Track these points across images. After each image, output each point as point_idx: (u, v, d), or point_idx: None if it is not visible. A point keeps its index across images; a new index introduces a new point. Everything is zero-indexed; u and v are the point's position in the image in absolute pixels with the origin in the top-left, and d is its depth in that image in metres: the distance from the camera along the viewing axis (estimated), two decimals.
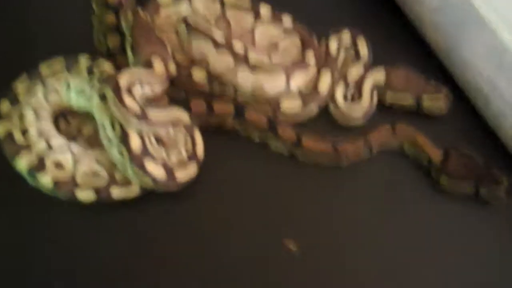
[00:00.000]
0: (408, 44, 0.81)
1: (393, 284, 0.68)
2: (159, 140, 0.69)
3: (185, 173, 0.69)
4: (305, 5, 0.82)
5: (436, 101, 0.75)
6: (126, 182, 0.68)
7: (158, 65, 0.69)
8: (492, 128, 0.75)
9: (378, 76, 0.76)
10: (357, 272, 0.68)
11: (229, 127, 0.74)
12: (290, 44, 0.77)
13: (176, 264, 0.68)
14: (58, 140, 0.70)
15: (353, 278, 0.68)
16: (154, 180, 0.67)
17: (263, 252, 0.68)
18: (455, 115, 0.76)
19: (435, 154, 0.72)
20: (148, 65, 0.69)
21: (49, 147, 0.69)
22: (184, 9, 0.76)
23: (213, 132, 0.72)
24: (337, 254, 0.69)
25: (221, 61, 0.73)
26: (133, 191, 0.69)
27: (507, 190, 0.69)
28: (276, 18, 0.78)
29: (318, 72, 0.76)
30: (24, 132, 0.69)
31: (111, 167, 0.69)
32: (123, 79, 0.67)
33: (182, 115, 0.70)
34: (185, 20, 0.75)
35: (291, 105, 0.74)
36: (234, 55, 0.73)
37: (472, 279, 0.68)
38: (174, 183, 0.69)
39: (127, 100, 0.66)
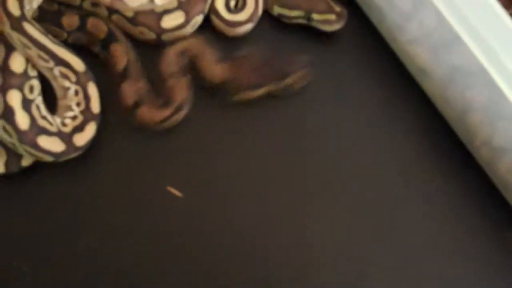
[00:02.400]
0: None
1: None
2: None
3: (85, 136, 0.64)
4: None
5: (328, 21, 0.71)
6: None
7: None
8: (387, 41, 0.72)
9: None
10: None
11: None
12: None
13: None
14: None
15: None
16: (52, 154, 0.62)
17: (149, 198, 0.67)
18: (350, 31, 0.73)
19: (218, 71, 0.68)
20: None
21: None
22: None
23: None
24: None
25: None
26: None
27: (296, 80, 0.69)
28: None
29: None
30: None
31: None
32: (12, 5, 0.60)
33: (74, 59, 0.64)
34: None
35: (173, 22, 0.69)
36: None
37: None
38: (74, 151, 0.63)
39: (29, 28, 0.60)
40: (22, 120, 0.60)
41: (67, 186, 0.66)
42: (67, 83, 0.64)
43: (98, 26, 0.68)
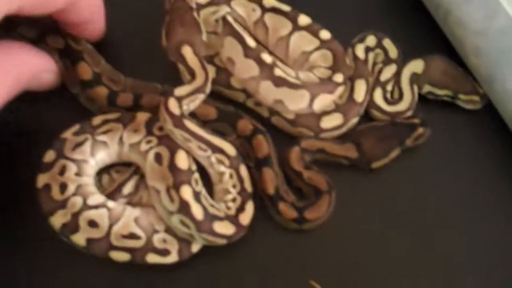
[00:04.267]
0: (435, 41, 0.81)
1: None
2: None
3: (248, 215, 0.68)
4: (334, 11, 0.82)
5: (472, 101, 0.75)
6: (164, 249, 0.66)
7: (199, 72, 0.68)
8: None
9: (415, 65, 0.76)
10: None
11: None
12: (321, 57, 0.74)
13: None
14: (95, 198, 0.67)
15: None
16: (226, 238, 0.66)
17: None
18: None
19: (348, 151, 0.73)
20: (178, 55, 0.68)
21: (86, 205, 0.66)
22: (223, 9, 0.73)
23: None
24: None
25: (246, 67, 0.70)
26: (171, 259, 0.67)
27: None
28: (313, 29, 0.75)
29: (352, 82, 0.74)
30: (63, 186, 0.66)
31: (151, 229, 0.66)
32: (173, 106, 0.66)
33: (226, 145, 0.69)
34: (224, 17, 0.72)
35: (332, 123, 0.73)
36: (261, 63, 0.70)
37: None
38: (242, 230, 0.68)
39: (188, 124, 0.66)
40: (198, 212, 0.64)
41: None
42: (222, 168, 0.69)
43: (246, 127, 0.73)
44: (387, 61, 0.77)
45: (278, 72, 0.70)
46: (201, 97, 0.69)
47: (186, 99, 0.68)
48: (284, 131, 0.75)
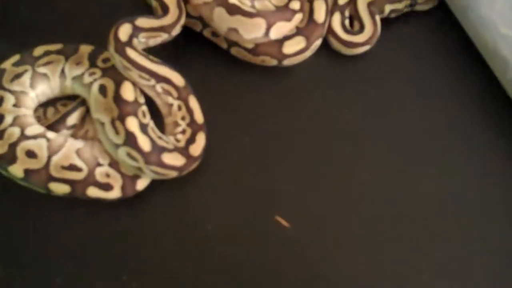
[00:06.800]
0: None
1: None
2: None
3: (199, 146, 0.66)
4: None
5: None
6: (107, 183, 0.64)
7: (173, 10, 0.66)
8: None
9: None
10: None
11: None
12: None
13: None
14: (34, 128, 0.64)
15: None
16: (176, 169, 0.64)
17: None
18: None
19: None
20: None
21: (23, 135, 0.63)
22: None
23: None
24: None
25: None
26: (113, 194, 0.64)
27: None
28: None
29: (310, 1, 0.71)
30: (0, 117, 0.64)
31: (94, 162, 0.64)
32: (123, 32, 0.64)
33: (173, 75, 0.66)
34: None
35: (295, 47, 0.70)
36: None
37: None
38: (193, 162, 0.65)
39: (129, 52, 0.64)
40: (144, 143, 0.62)
41: (181, 209, 0.67)
42: (170, 99, 0.66)
43: None
44: None
45: (231, 0, 0.66)
46: (164, 36, 0.67)
47: (146, 32, 0.65)
48: (246, 60, 0.72)
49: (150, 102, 0.67)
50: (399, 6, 0.73)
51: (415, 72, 0.74)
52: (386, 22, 0.74)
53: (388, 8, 0.73)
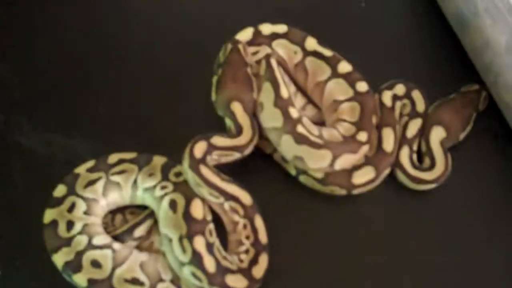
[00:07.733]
0: None
1: None
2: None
3: (261, 268, 0.65)
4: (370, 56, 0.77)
5: (481, 97, 0.75)
6: None
7: (247, 131, 0.67)
8: None
9: (439, 132, 0.72)
10: None
11: None
12: (349, 110, 0.70)
13: None
14: (101, 238, 0.65)
15: None
16: None
17: None
18: None
19: None
20: (227, 110, 0.68)
21: (90, 244, 0.63)
22: (264, 50, 0.72)
23: None
24: None
25: (272, 117, 0.67)
26: None
27: None
28: (352, 78, 0.71)
29: (379, 130, 0.71)
30: (70, 224, 0.64)
31: (156, 277, 0.64)
32: (198, 149, 0.65)
33: (242, 194, 0.66)
34: (267, 59, 0.69)
35: (364, 178, 0.69)
36: (286, 116, 0.66)
37: None
38: (255, 284, 0.65)
39: (203, 169, 0.64)
40: (210, 264, 0.62)
41: None
42: (236, 217, 0.66)
43: None
44: (413, 114, 0.73)
45: (300, 129, 0.67)
46: (237, 155, 0.68)
47: (220, 151, 0.66)
48: (315, 190, 0.72)
49: (215, 217, 0.67)
50: (469, 127, 0.73)
51: (485, 204, 0.72)
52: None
53: (462, 135, 0.73)
